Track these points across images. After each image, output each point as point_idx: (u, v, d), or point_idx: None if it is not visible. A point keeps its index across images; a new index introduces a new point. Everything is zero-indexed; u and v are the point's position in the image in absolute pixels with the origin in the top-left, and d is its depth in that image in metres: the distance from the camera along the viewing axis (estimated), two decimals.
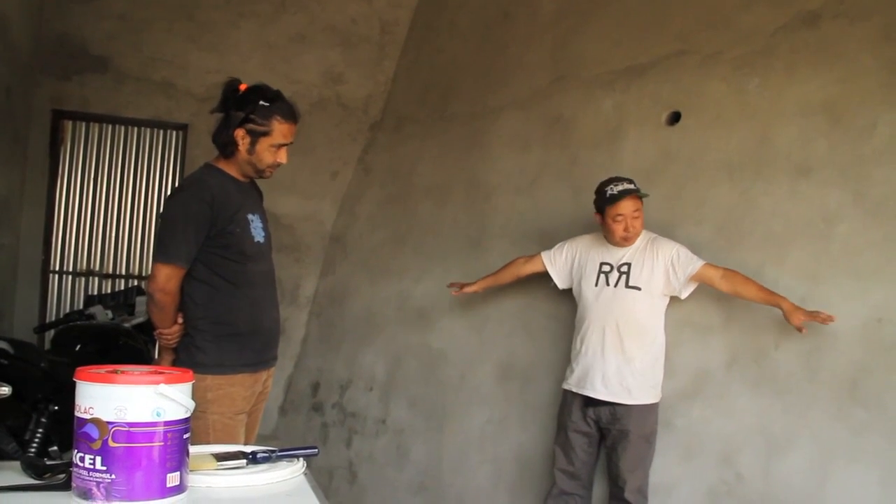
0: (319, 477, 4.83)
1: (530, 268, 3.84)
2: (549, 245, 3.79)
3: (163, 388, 1.41)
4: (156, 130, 5.57)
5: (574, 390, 3.53)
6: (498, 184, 4.52)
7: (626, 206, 3.42)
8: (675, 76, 3.87)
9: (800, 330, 3.07)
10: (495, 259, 4.27)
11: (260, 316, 2.85)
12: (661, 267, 3.42)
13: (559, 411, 3.66)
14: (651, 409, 3.44)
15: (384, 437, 4.71)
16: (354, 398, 4.96)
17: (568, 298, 3.76)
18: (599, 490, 3.65)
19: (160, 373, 1.48)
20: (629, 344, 3.42)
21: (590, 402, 3.47)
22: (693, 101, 3.78)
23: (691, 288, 3.40)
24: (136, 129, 5.52)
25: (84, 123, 5.42)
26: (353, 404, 4.96)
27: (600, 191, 3.51)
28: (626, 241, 3.49)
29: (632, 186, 3.45)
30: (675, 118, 3.83)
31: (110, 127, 5.48)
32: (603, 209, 3.48)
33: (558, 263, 3.73)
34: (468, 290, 4.00)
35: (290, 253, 5.55)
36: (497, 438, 4.13)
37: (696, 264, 3.36)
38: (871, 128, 3.21)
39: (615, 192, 3.43)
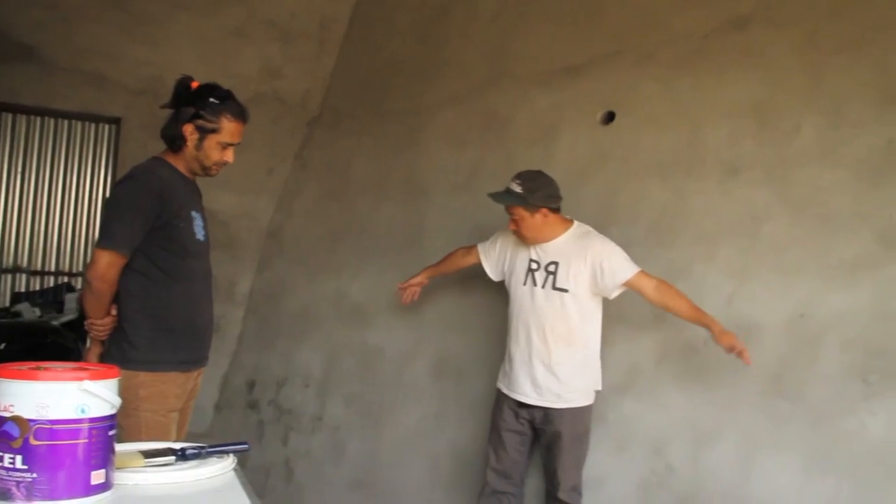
0: (255, 475, 4.81)
1: (470, 259, 3.77)
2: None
3: (87, 384, 1.39)
4: (87, 124, 5.46)
5: (505, 392, 3.50)
6: (434, 181, 4.53)
7: (510, 210, 3.41)
8: (609, 76, 3.93)
9: (729, 351, 3.09)
10: (431, 256, 4.27)
11: (196, 313, 2.83)
12: (588, 268, 3.32)
13: (493, 409, 3.61)
14: (584, 410, 3.40)
15: (320, 434, 4.70)
16: (290, 395, 4.93)
17: (502, 293, 3.73)
18: (536, 487, 3.67)
19: (84, 369, 1.46)
20: (557, 350, 3.33)
21: (522, 404, 3.43)
22: (627, 101, 3.85)
23: (621, 291, 3.34)
24: (66, 121, 5.41)
25: (11, 115, 5.28)
26: (290, 401, 4.92)
27: None
28: (525, 240, 3.45)
29: (508, 187, 3.38)
30: (609, 117, 3.90)
31: (39, 119, 5.35)
32: None
33: (492, 257, 3.67)
34: (414, 281, 3.91)
35: (226, 250, 5.46)
36: (433, 434, 4.15)
37: (628, 273, 3.27)
38: (796, 129, 3.32)
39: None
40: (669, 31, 3.78)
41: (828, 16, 3.32)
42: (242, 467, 4.61)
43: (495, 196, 3.41)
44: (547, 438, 3.41)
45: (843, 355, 3.03)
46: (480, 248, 3.73)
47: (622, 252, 3.34)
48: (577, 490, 3.40)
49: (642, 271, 3.29)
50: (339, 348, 4.76)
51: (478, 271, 3.80)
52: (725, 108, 3.53)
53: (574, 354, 3.36)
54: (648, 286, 3.26)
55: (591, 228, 3.47)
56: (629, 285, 3.30)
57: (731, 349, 3.07)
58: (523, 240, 3.45)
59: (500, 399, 3.54)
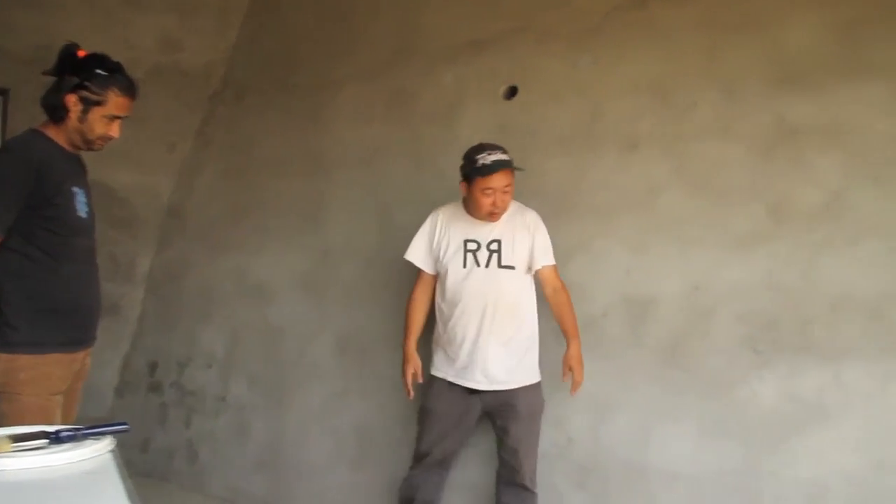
0: (158, 458, 4.71)
1: (427, 288, 3.43)
2: (387, 219, 3.80)
3: None
4: None
5: (451, 381, 3.30)
6: (338, 157, 4.47)
7: (499, 180, 3.12)
8: (513, 52, 3.93)
9: (564, 372, 3.22)
10: (335, 233, 4.25)
11: (81, 293, 2.70)
12: (527, 244, 3.26)
13: (426, 396, 3.41)
14: (536, 387, 3.32)
15: (224, 414, 4.61)
16: (193, 376, 4.82)
17: (405, 270, 3.66)
18: (480, 475, 3.59)
19: None
20: (508, 328, 3.23)
21: (472, 391, 3.27)
22: (530, 77, 3.86)
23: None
24: None
25: None
26: (193, 382, 4.82)
27: (471, 158, 3.18)
28: (491, 217, 3.22)
29: (506, 157, 3.14)
30: (512, 92, 3.90)
31: None
32: (471, 179, 3.17)
33: (429, 259, 3.40)
34: (413, 371, 3.42)
35: (125, 228, 5.29)
36: (337, 412, 4.11)
37: (547, 261, 3.28)
38: (693, 106, 3.38)
39: (488, 161, 3.11)
40: (572, 8, 3.80)
41: None
42: (145, 451, 4.49)
43: (513, 164, 3.16)
44: (503, 422, 3.28)
45: (735, 326, 3.12)
46: (422, 267, 3.41)
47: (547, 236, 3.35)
48: (532, 480, 3.30)
49: (555, 266, 3.33)
50: (242, 327, 4.67)
51: (378, 249, 3.77)
52: (625, 85, 3.57)
53: (522, 331, 3.29)
54: (551, 283, 3.30)
55: (521, 203, 3.37)
56: (540, 271, 3.30)
57: (566, 373, 3.21)
58: (492, 217, 3.23)
59: (440, 387, 3.34)
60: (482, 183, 3.13)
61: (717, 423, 3.09)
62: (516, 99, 3.87)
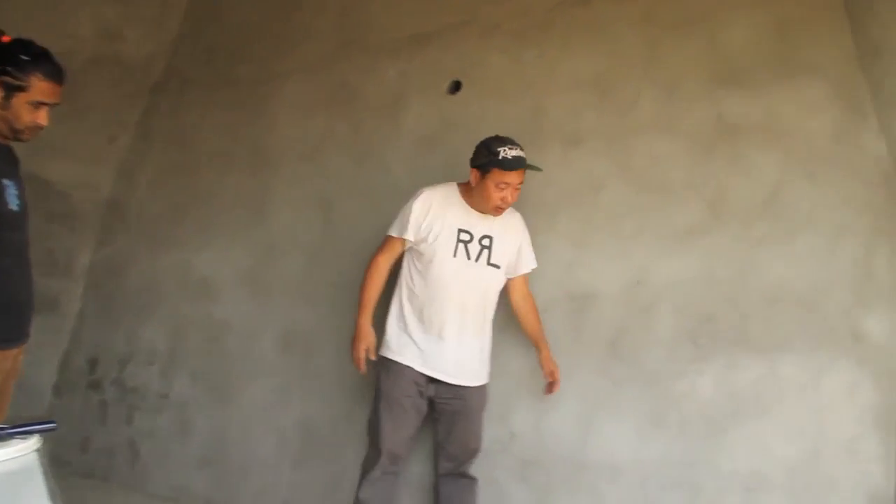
0: (99, 457, 4.62)
1: (394, 258, 3.29)
2: (331, 214, 3.76)
3: None
4: None
5: (417, 368, 3.17)
6: (282, 151, 4.42)
7: (517, 177, 3.07)
8: (457, 46, 3.93)
9: (546, 377, 3.23)
10: (278, 227, 4.20)
11: (12, 288, 2.63)
12: (515, 246, 3.24)
13: (386, 385, 3.21)
14: (486, 385, 3.31)
15: (167, 412, 4.53)
16: (135, 373, 4.73)
17: (353, 266, 3.64)
18: (418, 468, 3.57)
19: None
20: (484, 324, 3.23)
21: (433, 380, 3.18)
22: (474, 71, 3.86)
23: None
24: None
25: None
26: (134, 380, 4.72)
27: (491, 149, 3.07)
28: (497, 211, 3.15)
29: (524, 155, 3.08)
30: (456, 87, 3.91)
31: None
32: (488, 169, 3.07)
33: (418, 234, 3.20)
34: (365, 347, 3.22)
35: (64, 222, 5.17)
36: (281, 409, 4.07)
37: (527, 269, 3.29)
38: (634, 102, 3.42)
39: (510, 156, 3.03)
40: (516, 3, 3.81)
41: None
42: (85, 450, 4.39)
43: (533, 165, 3.10)
44: (454, 415, 3.22)
45: (675, 320, 3.16)
46: (402, 234, 3.22)
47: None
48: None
49: (526, 276, 3.32)
50: (185, 323, 4.59)
51: (322, 243, 3.73)
52: (569, 81, 3.60)
53: (490, 329, 3.29)
54: (521, 290, 3.30)
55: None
56: (516, 276, 3.29)
57: (549, 375, 3.21)
58: (498, 212, 3.16)
59: (401, 374, 3.18)
60: (499, 176, 3.05)
61: (658, 415, 3.13)
62: (460, 93, 3.87)
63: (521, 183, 3.11)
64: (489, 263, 3.18)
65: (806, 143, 3.04)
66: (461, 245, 3.16)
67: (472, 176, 3.15)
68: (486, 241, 3.18)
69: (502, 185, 3.06)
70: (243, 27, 4.97)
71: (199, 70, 5.13)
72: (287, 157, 4.40)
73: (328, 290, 3.99)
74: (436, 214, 3.18)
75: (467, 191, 3.22)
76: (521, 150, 3.09)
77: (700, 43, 3.32)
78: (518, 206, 3.51)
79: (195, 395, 4.43)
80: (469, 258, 3.16)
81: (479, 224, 3.19)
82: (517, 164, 3.04)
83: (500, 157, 3.03)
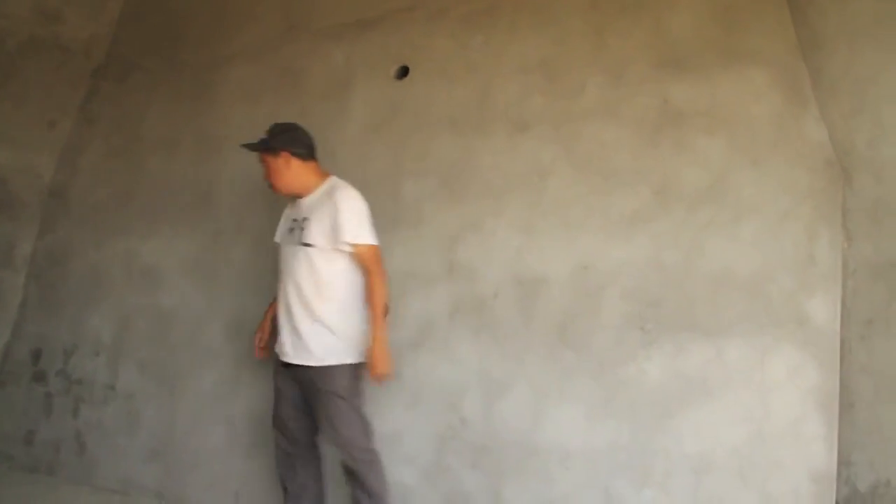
0: (44, 451, 4.54)
1: None
2: (275, 199, 3.69)
3: None
4: None
5: (276, 351, 3.39)
6: (227, 137, 4.33)
7: (259, 159, 3.40)
8: (403, 30, 3.91)
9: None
10: (224, 215, 4.14)
11: None
12: (329, 221, 3.20)
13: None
14: (345, 369, 3.22)
15: (114, 403, 4.46)
16: (80, 364, 4.64)
17: None
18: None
19: None
20: (311, 304, 3.21)
21: (286, 364, 3.31)
22: (421, 56, 3.84)
23: (351, 249, 3.21)
24: None
25: None
26: (79, 371, 4.64)
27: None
28: (278, 190, 3.39)
29: (258, 139, 3.36)
30: (403, 72, 3.88)
31: None
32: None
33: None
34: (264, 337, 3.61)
35: (3, 210, 5.03)
36: (229, 398, 4.03)
37: (348, 239, 3.17)
38: (581, 88, 3.43)
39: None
40: None
41: None
42: (29, 444, 4.33)
43: (246, 145, 3.39)
44: (310, 398, 3.30)
45: (623, 305, 3.19)
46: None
47: (361, 214, 3.23)
48: (354, 457, 3.22)
49: (372, 248, 3.22)
50: (131, 313, 4.51)
51: (268, 231, 3.68)
52: (515, 66, 3.59)
53: (331, 306, 3.23)
54: (364, 264, 3.22)
55: (343, 183, 3.32)
56: (352, 253, 3.22)
57: (369, 367, 3.19)
58: (277, 191, 3.40)
59: (273, 360, 3.47)
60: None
61: (607, 400, 3.16)
62: (407, 78, 3.85)
63: (265, 164, 3.35)
64: (301, 242, 3.26)
65: (749, 129, 3.08)
66: (289, 232, 3.38)
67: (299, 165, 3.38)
68: (304, 224, 3.29)
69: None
70: (187, 9, 4.87)
71: (141, 54, 5.02)
72: (233, 143, 4.28)
73: (272, 277, 3.92)
74: (284, 212, 3.49)
75: None
76: (266, 134, 3.36)
77: (646, 29, 3.34)
78: (465, 191, 3.52)
79: (142, 386, 4.36)
80: (292, 242, 3.33)
81: (301, 208, 3.36)
82: (244, 148, 3.40)
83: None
